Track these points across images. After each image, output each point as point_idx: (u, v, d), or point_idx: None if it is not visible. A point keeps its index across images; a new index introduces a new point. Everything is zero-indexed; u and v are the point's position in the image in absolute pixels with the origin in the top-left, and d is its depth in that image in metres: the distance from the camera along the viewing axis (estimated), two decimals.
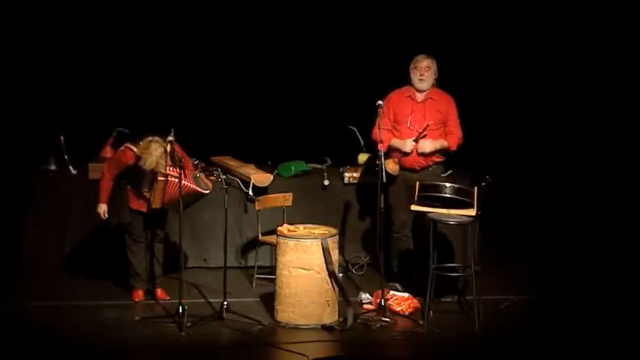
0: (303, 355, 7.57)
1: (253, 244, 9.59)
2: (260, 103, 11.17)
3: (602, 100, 10.66)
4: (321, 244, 8.26)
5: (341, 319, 8.34)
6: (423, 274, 8.59)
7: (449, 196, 8.44)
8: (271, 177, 9.78)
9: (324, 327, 8.23)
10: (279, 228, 8.56)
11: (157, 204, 8.56)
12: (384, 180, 8.62)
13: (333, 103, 11.04)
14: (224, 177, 8.58)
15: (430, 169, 8.98)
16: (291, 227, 8.56)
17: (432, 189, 8.55)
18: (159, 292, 8.86)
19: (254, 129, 10.95)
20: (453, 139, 8.95)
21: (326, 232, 8.47)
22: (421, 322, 8.35)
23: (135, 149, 8.51)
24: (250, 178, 9.64)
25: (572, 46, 10.81)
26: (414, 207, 8.62)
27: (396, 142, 8.91)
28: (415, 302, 8.67)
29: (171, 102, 9.98)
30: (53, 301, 8.69)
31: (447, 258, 9.30)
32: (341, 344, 8.00)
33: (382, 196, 8.56)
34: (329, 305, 8.29)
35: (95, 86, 10.79)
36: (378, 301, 8.58)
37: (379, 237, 8.71)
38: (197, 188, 8.52)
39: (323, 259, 8.25)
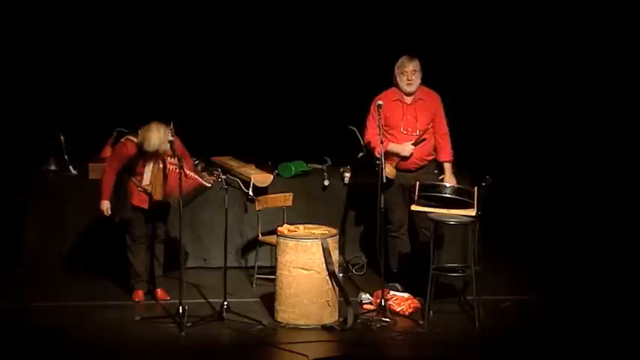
0: (304, 355, 7.57)
1: (253, 244, 9.59)
2: (260, 103, 11.17)
3: (601, 100, 10.66)
4: (321, 244, 8.26)
5: (341, 319, 8.34)
6: (422, 274, 8.59)
7: (449, 196, 8.44)
8: (271, 177, 9.78)
9: (324, 327, 8.23)
10: (280, 228, 8.56)
11: (158, 195, 8.52)
12: (384, 180, 8.63)
13: (333, 103, 11.04)
14: (224, 177, 8.59)
15: (425, 168, 9.00)
16: (292, 227, 8.56)
17: (432, 189, 8.56)
18: (159, 292, 8.86)
19: (254, 129, 10.95)
20: (446, 149, 8.98)
21: (326, 232, 8.47)
22: (421, 322, 8.35)
23: (135, 139, 8.49)
24: (250, 178, 9.64)
25: (572, 46, 10.81)
26: (414, 207, 8.62)
27: (394, 147, 8.91)
28: (415, 302, 8.68)
29: (172, 102, 9.97)
30: (53, 301, 8.70)
31: (447, 258, 9.32)
32: (341, 344, 8.01)
33: (382, 196, 8.56)
34: (329, 305, 8.30)
35: (95, 86, 10.79)
36: (378, 301, 8.58)
37: (379, 237, 8.72)
38: (199, 179, 8.52)
39: (323, 259, 8.25)
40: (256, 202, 9.34)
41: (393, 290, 8.87)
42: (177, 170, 8.30)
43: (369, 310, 8.62)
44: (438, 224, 8.54)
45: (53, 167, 9.86)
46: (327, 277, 8.27)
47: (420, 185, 8.62)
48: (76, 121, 10.29)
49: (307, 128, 10.94)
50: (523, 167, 10.85)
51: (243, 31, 11.13)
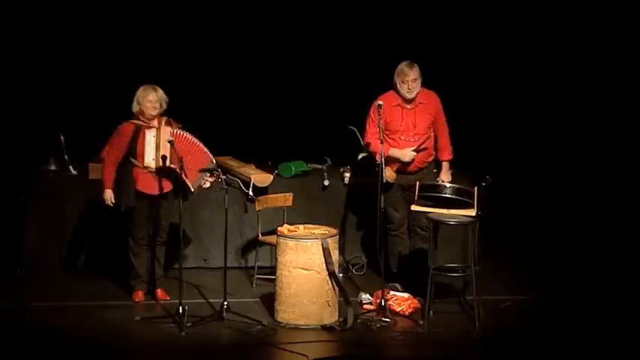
0: (304, 355, 7.57)
1: (253, 244, 9.59)
2: (260, 103, 11.17)
3: (601, 100, 10.65)
4: (321, 244, 8.26)
5: (341, 320, 8.34)
6: (422, 274, 8.59)
7: (449, 196, 8.44)
8: (271, 177, 9.79)
9: (324, 327, 8.23)
10: (280, 228, 8.56)
11: (169, 161, 8.46)
12: (384, 180, 8.63)
13: (333, 103, 11.04)
14: (224, 177, 8.58)
15: (425, 169, 9.00)
16: (292, 227, 8.56)
17: (432, 189, 8.56)
18: (159, 292, 8.86)
19: (254, 129, 10.95)
20: (446, 148, 9.02)
21: (326, 232, 8.47)
22: (421, 322, 8.35)
23: (127, 123, 8.57)
24: (250, 178, 9.64)
25: (572, 46, 10.80)
26: (414, 207, 8.62)
27: (395, 152, 8.91)
28: (415, 302, 8.68)
29: (172, 102, 9.97)
30: (53, 301, 8.70)
31: (447, 258, 9.33)
32: (341, 344, 8.01)
33: (382, 196, 8.56)
34: (329, 305, 8.30)
35: (95, 86, 10.78)
36: (378, 301, 8.58)
37: (379, 237, 8.72)
38: (203, 147, 8.57)
39: (323, 260, 8.25)
40: (256, 202, 9.34)
41: (393, 290, 8.87)
42: (181, 133, 8.39)
43: (369, 310, 8.63)
44: (439, 224, 8.54)
45: (53, 167, 9.86)
46: (327, 277, 8.27)
47: (419, 185, 8.62)
48: (76, 121, 10.28)
49: (307, 128, 10.94)
50: (523, 167, 10.85)
51: (243, 31, 11.13)
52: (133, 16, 10.79)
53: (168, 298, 8.78)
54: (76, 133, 9.96)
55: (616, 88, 10.59)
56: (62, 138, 9.84)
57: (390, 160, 8.91)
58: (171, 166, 8.41)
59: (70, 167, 9.81)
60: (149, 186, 8.61)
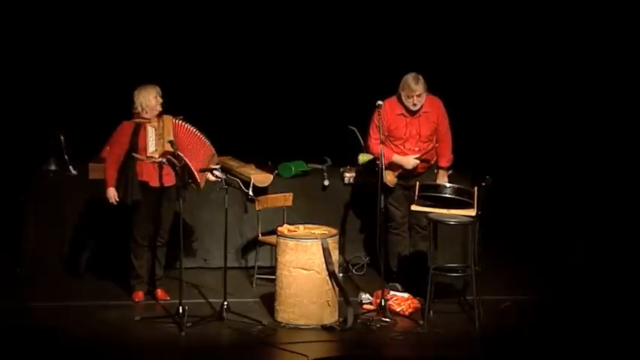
0: (304, 355, 7.57)
1: (253, 244, 9.59)
2: (260, 103, 11.16)
3: (601, 100, 10.65)
4: (321, 244, 8.26)
5: (341, 320, 8.34)
6: (422, 274, 8.60)
7: (449, 196, 8.44)
8: (271, 177, 9.79)
9: (324, 327, 8.23)
10: (280, 228, 8.56)
11: (176, 149, 8.46)
12: (384, 180, 8.63)
13: (333, 103, 11.04)
14: (224, 177, 8.58)
15: (426, 173, 9.01)
16: (292, 227, 8.56)
17: (432, 189, 8.56)
18: (159, 292, 8.86)
19: (254, 129, 10.94)
20: (446, 155, 9.02)
21: (326, 232, 8.47)
22: (421, 322, 8.35)
23: (127, 122, 8.58)
24: (250, 178, 9.63)
25: (572, 46, 10.80)
26: (414, 207, 8.62)
27: (398, 159, 8.91)
28: (415, 302, 8.68)
29: (172, 102, 9.97)
30: (53, 301, 8.70)
31: (447, 258, 9.32)
32: (341, 344, 8.01)
33: (382, 196, 8.56)
34: (329, 305, 8.30)
35: (95, 86, 10.78)
36: (378, 301, 8.58)
37: (379, 237, 8.72)
38: (207, 142, 8.63)
39: (323, 260, 8.25)
40: (256, 202, 9.34)
41: (393, 290, 8.87)
42: (183, 124, 8.45)
43: (369, 310, 8.63)
44: (438, 224, 8.55)
45: (53, 167, 9.85)
46: (327, 277, 8.27)
47: (419, 185, 8.62)
48: (76, 121, 10.28)
49: (307, 128, 10.94)
50: (523, 167, 10.85)
51: (243, 31, 11.13)
52: (132, 16, 10.79)
53: (168, 298, 8.78)
54: (76, 133, 9.96)
55: (616, 88, 10.59)
56: (62, 138, 9.84)
57: (393, 166, 8.92)
58: (179, 153, 8.41)
59: (70, 167, 9.80)
60: (153, 177, 8.61)
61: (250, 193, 9.53)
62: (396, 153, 8.93)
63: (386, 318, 8.41)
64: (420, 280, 8.68)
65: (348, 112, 10.21)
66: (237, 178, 9.68)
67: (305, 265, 8.24)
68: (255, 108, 11.13)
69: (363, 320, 8.40)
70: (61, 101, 10.65)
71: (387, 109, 8.87)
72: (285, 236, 8.37)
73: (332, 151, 10.31)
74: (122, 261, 8.97)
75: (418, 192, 8.58)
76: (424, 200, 8.56)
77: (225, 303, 8.32)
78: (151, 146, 8.58)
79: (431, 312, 8.41)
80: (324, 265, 8.25)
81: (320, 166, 10.15)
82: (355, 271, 9.81)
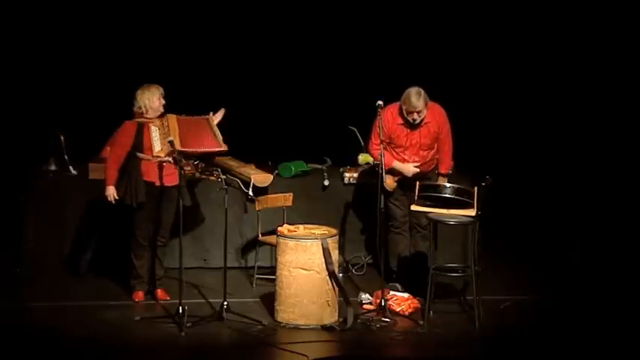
0: (304, 355, 7.58)
1: (253, 244, 9.59)
2: (260, 103, 11.16)
3: (601, 100, 10.65)
4: (321, 244, 8.26)
5: (341, 320, 8.34)
6: (422, 274, 8.60)
7: (449, 196, 8.44)
8: (271, 177, 9.79)
9: (324, 327, 8.23)
10: (280, 228, 8.56)
11: (178, 145, 8.48)
12: (384, 178, 8.63)
13: (333, 103, 11.04)
14: (224, 177, 8.58)
15: (428, 176, 9.02)
16: (292, 227, 8.56)
17: (432, 189, 8.56)
18: (159, 292, 8.86)
19: (254, 129, 10.94)
20: (445, 162, 9.01)
21: (326, 232, 8.48)
22: (421, 322, 8.35)
23: (131, 120, 8.58)
24: (250, 178, 9.64)
25: (572, 46, 10.81)
26: (414, 207, 8.63)
27: (398, 166, 8.91)
28: (415, 302, 8.68)
29: (172, 102, 9.99)
30: (53, 301, 8.70)
31: (447, 258, 9.33)
32: (341, 344, 8.01)
33: (382, 196, 8.56)
34: (329, 305, 8.30)
35: (95, 86, 10.78)
36: (378, 301, 8.58)
37: (379, 237, 8.72)
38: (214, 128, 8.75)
39: (323, 260, 8.25)
40: (256, 202, 9.34)
41: (393, 290, 8.87)
42: (185, 116, 8.51)
43: (369, 310, 8.62)
44: (438, 224, 8.55)
45: (53, 167, 9.85)
46: (327, 277, 8.27)
47: (420, 185, 8.63)
48: (76, 121, 10.28)
49: (307, 128, 10.94)
50: (523, 167, 10.85)
51: (243, 31, 11.13)
52: (132, 16, 10.79)
53: (168, 298, 8.78)
54: (76, 133, 9.95)
55: (616, 88, 10.59)
56: (62, 138, 9.84)
57: (394, 172, 8.92)
58: (185, 150, 8.42)
59: (70, 167, 9.80)
60: (165, 178, 8.61)
61: (250, 193, 9.54)
62: (397, 159, 8.93)
63: (386, 318, 8.41)
64: (420, 280, 8.68)
65: (348, 112, 10.22)
66: (237, 178, 9.68)
67: (305, 265, 8.24)
68: (255, 108, 11.12)
69: (363, 320, 8.40)
70: (61, 101, 10.65)
71: (389, 117, 8.86)
72: (285, 236, 8.37)
73: (332, 151, 10.31)
74: (122, 261, 8.97)
75: (418, 192, 8.59)
76: (424, 200, 8.56)
77: (225, 303, 8.32)
78: (157, 146, 8.58)
79: (431, 312, 8.41)
80: (324, 265, 8.25)
81: (320, 166, 10.15)
82: (355, 271, 9.81)
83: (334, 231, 8.52)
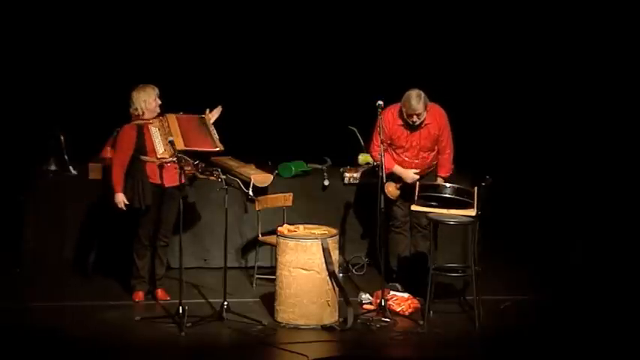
0: (304, 355, 7.57)
1: (253, 244, 9.59)
2: (260, 103, 11.16)
3: (601, 100, 10.65)
4: (321, 244, 8.26)
5: (341, 320, 8.34)
6: (422, 274, 8.60)
7: (449, 196, 8.44)
8: (271, 177, 9.79)
9: (324, 327, 8.23)
10: (280, 228, 8.56)
11: (180, 145, 8.50)
12: (384, 180, 8.63)
13: (333, 104, 11.04)
14: (224, 177, 8.58)
15: (426, 177, 9.02)
16: (292, 227, 8.56)
17: (432, 189, 8.56)
18: (159, 292, 8.86)
19: (254, 129, 10.94)
20: (445, 166, 9.00)
21: (326, 232, 8.48)
22: (421, 322, 8.35)
23: (130, 124, 8.58)
24: (250, 178, 9.64)
25: (572, 46, 10.81)
26: (414, 207, 8.63)
27: (398, 170, 8.91)
28: (415, 302, 8.68)
29: (172, 102, 10.00)
30: (53, 301, 8.69)
31: (447, 258, 9.32)
32: (341, 344, 8.01)
33: (382, 196, 8.56)
34: (329, 305, 8.30)
35: (95, 86, 10.78)
36: (378, 301, 8.58)
37: (379, 237, 8.72)
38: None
39: (323, 260, 8.25)
40: (256, 202, 9.34)
41: (393, 290, 8.87)
42: (182, 114, 8.53)
43: (369, 310, 8.62)
44: (438, 224, 8.55)
45: (53, 167, 9.85)
46: (327, 277, 8.27)
47: (419, 185, 8.63)
48: (76, 121, 10.28)
49: (307, 128, 10.94)
50: (523, 167, 10.85)
51: (243, 31, 11.13)
52: (132, 16, 10.79)
53: (168, 298, 8.78)
54: (76, 133, 9.95)
55: (616, 88, 10.59)
56: (62, 138, 9.84)
57: (394, 176, 8.92)
58: (188, 148, 8.43)
59: (70, 167, 9.80)
60: (167, 178, 8.61)
61: (250, 193, 9.54)
62: (397, 161, 8.93)
63: (386, 318, 8.41)
64: (420, 280, 8.68)
65: (348, 112, 10.22)
66: (237, 178, 9.69)
67: (305, 265, 8.24)
68: (255, 108, 11.12)
69: (363, 320, 8.40)
70: (61, 101, 10.65)
71: (389, 117, 8.87)
72: (285, 236, 8.37)
73: (332, 151, 10.31)
74: (122, 261, 8.97)
75: (418, 192, 8.59)
76: (424, 200, 8.56)
77: (225, 303, 8.32)
78: (160, 148, 8.58)
79: (431, 312, 8.41)
80: (324, 265, 8.25)
81: (320, 166, 10.15)
82: (355, 271, 9.81)
83: (334, 231, 8.52)
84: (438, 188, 8.55)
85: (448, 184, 8.57)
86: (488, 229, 8.80)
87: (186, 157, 8.50)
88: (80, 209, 9.59)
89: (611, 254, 9.92)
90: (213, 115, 9.04)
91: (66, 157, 9.82)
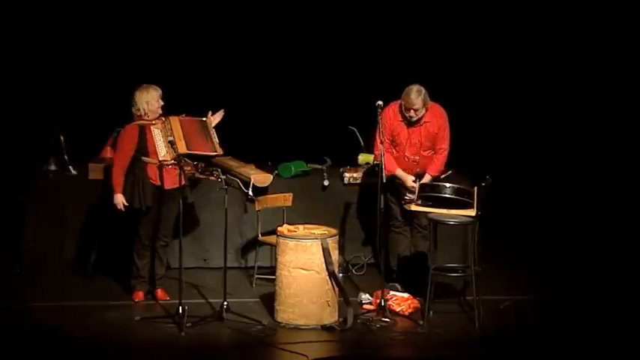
0: (303, 355, 7.58)
1: (253, 244, 9.59)
2: (260, 103, 11.16)
3: (601, 100, 10.66)
4: (321, 244, 8.26)
5: (341, 320, 8.34)
6: (422, 274, 8.60)
7: (449, 196, 8.44)
8: (271, 177, 9.79)
9: (324, 327, 8.24)
10: (279, 228, 8.56)
11: (183, 148, 8.52)
12: (384, 180, 8.64)
13: (333, 103, 11.04)
14: (224, 177, 8.58)
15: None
16: (291, 227, 8.56)
17: (432, 189, 8.56)
18: (159, 292, 8.86)
19: (254, 129, 10.94)
20: (437, 165, 8.97)
21: (326, 232, 8.48)
22: (421, 322, 8.35)
23: (132, 124, 8.57)
24: (250, 178, 9.64)
25: (572, 46, 10.81)
26: (414, 207, 8.63)
27: (400, 174, 8.92)
28: (415, 302, 8.68)
29: (173, 102, 10.01)
30: (53, 301, 8.70)
31: (447, 258, 9.32)
32: (341, 344, 8.01)
33: (382, 196, 8.56)
34: (329, 305, 8.30)
35: (95, 86, 10.78)
36: (378, 301, 8.58)
37: (379, 237, 8.72)
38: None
39: (323, 260, 8.25)
40: (256, 202, 9.34)
41: (393, 290, 8.87)
42: (184, 116, 8.54)
43: (369, 310, 8.62)
44: (438, 224, 8.55)
45: (53, 167, 9.85)
46: (327, 277, 8.27)
47: (419, 185, 8.63)
48: (76, 121, 10.28)
49: (307, 128, 10.94)
50: (523, 167, 10.85)
51: (243, 31, 11.13)
52: (132, 16, 10.79)
53: (168, 298, 8.78)
54: (76, 133, 9.95)
55: (616, 88, 10.59)
56: (62, 138, 9.84)
57: (395, 179, 8.93)
58: (191, 152, 8.44)
59: (70, 167, 9.80)
60: (167, 180, 8.61)
61: (250, 193, 9.54)
62: (398, 157, 8.92)
63: (386, 318, 8.41)
64: (420, 280, 8.68)
65: (348, 112, 10.23)
66: (237, 178, 9.69)
67: (305, 265, 8.24)
68: (255, 108, 11.12)
69: (363, 320, 8.40)
70: (61, 101, 10.65)
71: (390, 114, 8.87)
72: (285, 236, 8.37)
73: (332, 151, 10.31)
74: (122, 261, 8.97)
75: (418, 192, 8.59)
76: (424, 200, 8.56)
77: (225, 303, 8.32)
78: (162, 150, 8.58)
79: (431, 312, 8.41)
80: (324, 265, 8.25)
81: (320, 166, 10.15)
82: (355, 271, 9.81)
83: (334, 231, 8.52)
84: (438, 188, 8.54)
85: (448, 184, 8.57)
86: (488, 229, 8.80)
87: (186, 158, 8.51)
88: (80, 209, 9.59)
89: (611, 254, 9.92)
90: (214, 119, 9.04)
91: (66, 157, 9.82)
